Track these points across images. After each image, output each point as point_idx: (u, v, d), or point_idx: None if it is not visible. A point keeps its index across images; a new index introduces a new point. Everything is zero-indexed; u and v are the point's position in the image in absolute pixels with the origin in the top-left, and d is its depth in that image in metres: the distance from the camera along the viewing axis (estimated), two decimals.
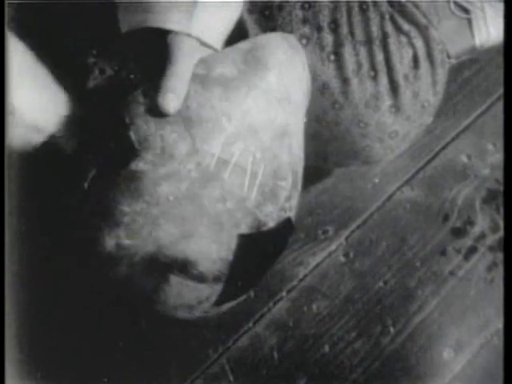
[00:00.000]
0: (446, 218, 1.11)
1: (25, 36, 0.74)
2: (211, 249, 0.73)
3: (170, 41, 0.72)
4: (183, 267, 0.73)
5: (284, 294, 1.06)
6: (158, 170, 0.71)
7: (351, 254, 1.08)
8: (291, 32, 0.79)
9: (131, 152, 0.71)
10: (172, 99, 0.70)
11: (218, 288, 0.76)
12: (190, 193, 0.71)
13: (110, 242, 0.72)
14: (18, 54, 0.73)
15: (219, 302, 0.78)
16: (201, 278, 0.74)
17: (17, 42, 0.73)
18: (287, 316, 1.05)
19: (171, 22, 0.71)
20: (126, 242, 0.72)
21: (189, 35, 0.71)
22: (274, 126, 0.73)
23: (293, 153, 0.75)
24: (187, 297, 0.75)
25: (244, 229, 0.73)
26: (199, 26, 0.72)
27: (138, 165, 0.71)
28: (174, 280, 0.74)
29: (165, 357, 0.99)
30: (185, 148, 0.71)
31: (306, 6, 0.80)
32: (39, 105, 0.73)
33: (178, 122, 0.72)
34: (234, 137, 0.72)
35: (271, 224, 0.75)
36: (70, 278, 0.84)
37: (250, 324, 1.04)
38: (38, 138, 0.73)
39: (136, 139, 0.71)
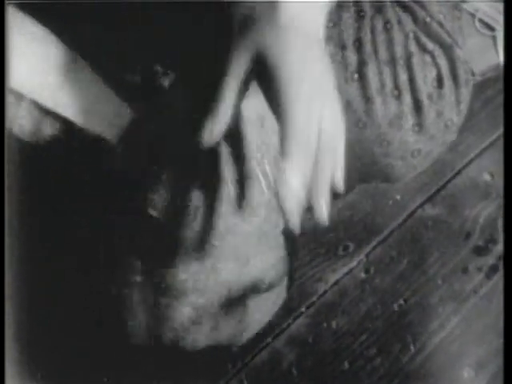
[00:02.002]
0: (468, 236, 1.10)
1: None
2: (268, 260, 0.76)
3: None
4: (254, 289, 0.77)
5: (303, 309, 1.06)
6: None
7: (372, 271, 1.08)
8: None
9: None
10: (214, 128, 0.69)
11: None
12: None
13: None
14: (80, 69, 0.74)
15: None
16: (272, 286, 0.79)
17: (67, 49, 0.74)
18: (306, 332, 1.05)
19: None
20: None
21: None
22: None
23: None
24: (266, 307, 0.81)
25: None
26: None
27: None
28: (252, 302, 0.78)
29: (183, 371, 0.99)
30: None
31: (331, 24, 0.80)
32: (103, 119, 0.74)
33: None
34: None
35: None
36: (71, 277, 0.84)
37: (269, 339, 1.03)
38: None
39: None
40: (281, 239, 0.80)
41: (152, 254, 0.73)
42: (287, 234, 0.79)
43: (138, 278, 0.73)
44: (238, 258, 0.75)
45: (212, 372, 1.01)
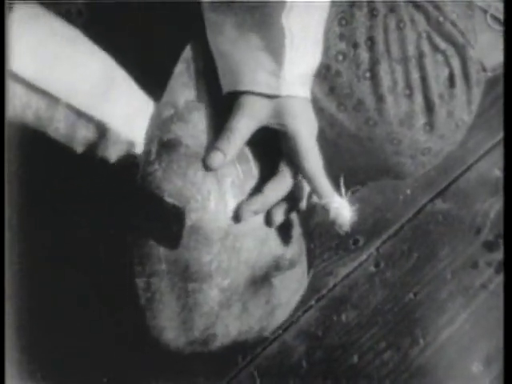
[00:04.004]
0: (478, 231, 1.10)
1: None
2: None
3: (242, 101, 0.72)
4: (277, 267, 0.78)
5: (313, 303, 1.06)
6: None
7: (382, 265, 1.08)
8: (328, 48, 0.79)
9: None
10: (218, 156, 0.72)
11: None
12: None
13: None
14: (106, 65, 0.74)
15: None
16: (293, 263, 0.80)
17: (100, 52, 0.74)
18: (316, 325, 1.05)
19: (258, 84, 0.71)
20: None
21: (275, 96, 0.71)
22: None
23: None
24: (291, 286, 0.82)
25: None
26: (289, 80, 0.71)
27: None
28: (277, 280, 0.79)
29: (192, 364, 1.00)
30: None
31: (344, 22, 0.80)
32: (133, 119, 0.74)
33: None
34: None
35: None
36: (71, 277, 0.84)
37: (279, 332, 1.04)
38: (135, 150, 0.74)
39: None
40: (295, 218, 0.80)
41: (173, 240, 0.74)
42: (301, 213, 0.80)
43: (163, 267, 0.74)
44: (256, 236, 0.76)
45: (222, 364, 1.01)
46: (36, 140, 0.72)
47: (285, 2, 0.68)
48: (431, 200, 1.12)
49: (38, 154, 0.74)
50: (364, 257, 1.09)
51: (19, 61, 0.67)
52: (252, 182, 0.76)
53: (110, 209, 0.75)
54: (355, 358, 1.04)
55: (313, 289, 1.06)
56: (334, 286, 1.07)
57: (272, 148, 0.75)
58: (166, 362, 0.86)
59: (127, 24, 0.82)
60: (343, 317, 1.06)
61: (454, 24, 0.82)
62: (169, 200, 0.72)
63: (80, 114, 0.70)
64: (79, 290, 0.82)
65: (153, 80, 0.76)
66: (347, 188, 0.73)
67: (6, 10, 0.68)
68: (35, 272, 0.83)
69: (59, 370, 0.95)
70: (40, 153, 0.74)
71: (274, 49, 0.70)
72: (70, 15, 0.80)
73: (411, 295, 1.07)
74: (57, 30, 0.72)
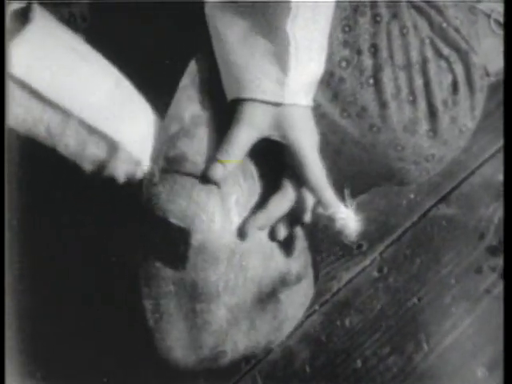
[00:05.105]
0: (482, 236, 1.10)
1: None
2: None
3: (243, 109, 0.72)
4: (283, 282, 0.78)
5: (317, 307, 1.06)
6: None
7: (385, 270, 1.08)
8: (331, 55, 0.79)
9: None
10: (218, 168, 0.72)
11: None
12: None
13: None
14: (119, 82, 0.74)
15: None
16: (300, 278, 0.80)
17: (113, 69, 0.74)
18: (320, 330, 1.05)
19: (262, 91, 0.71)
20: None
21: (279, 104, 0.72)
22: None
23: None
24: (298, 300, 0.83)
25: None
26: (293, 88, 0.72)
27: None
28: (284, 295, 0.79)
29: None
30: None
31: (347, 28, 0.80)
32: (144, 138, 0.74)
33: None
34: None
35: None
36: (72, 277, 0.84)
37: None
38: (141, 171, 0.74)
39: None
40: (300, 231, 0.81)
41: (179, 261, 0.74)
42: (305, 226, 0.80)
43: (170, 288, 0.74)
44: (262, 253, 0.76)
45: (225, 369, 1.01)
46: (37, 142, 0.72)
47: (289, 7, 0.68)
48: (435, 205, 1.12)
49: (38, 156, 0.74)
50: (367, 262, 1.09)
51: (35, 74, 0.67)
52: (256, 199, 0.76)
53: (115, 231, 0.76)
54: (359, 363, 1.04)
55: (316, 293, 1.05)
56: (338, 290, 1.07)
57: (276, 163, 0.75)
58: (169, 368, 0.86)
59: (131, 29, 0.82)
60: (347, 321, 1.06)
61: (457, 30, 0.82)
62: (173, 221, 0.72)
63: (91, 131, 0.70)
64: (80, 290, 0.82)
65: (158, 87, 0.76)
66: (352, 197, 0.73)
67: (6, 12, 0.68)
68: (35, 272, 0.83)
69: (59, 370, 0.95)
70: (41, 157, 0.74)
71: (279, 56, 0.70)
72: (74, 20, 0.80)
73: (415, 300, 1.07)
74: (72, 45, 0.72)
